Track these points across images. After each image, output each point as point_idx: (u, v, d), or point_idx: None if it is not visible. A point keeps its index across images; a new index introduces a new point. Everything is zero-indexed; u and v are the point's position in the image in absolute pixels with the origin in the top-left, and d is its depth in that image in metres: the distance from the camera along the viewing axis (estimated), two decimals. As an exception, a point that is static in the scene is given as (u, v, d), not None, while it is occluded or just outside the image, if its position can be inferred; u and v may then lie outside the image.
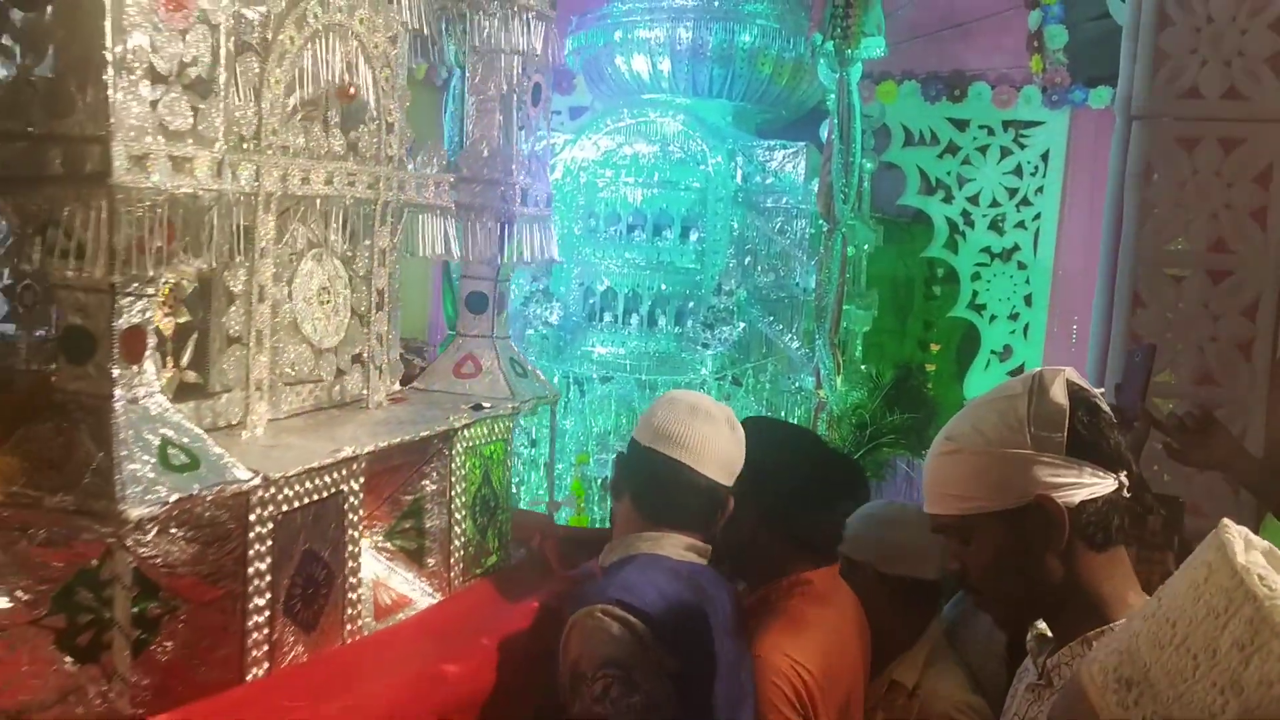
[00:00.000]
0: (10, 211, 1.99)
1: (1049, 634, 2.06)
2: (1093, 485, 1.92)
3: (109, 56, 1.92)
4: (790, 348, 6.47)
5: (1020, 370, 7.71)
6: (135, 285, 2.06)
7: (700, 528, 2.73)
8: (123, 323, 2.08)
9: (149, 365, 2.13)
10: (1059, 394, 1.95)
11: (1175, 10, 4.51)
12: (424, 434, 2.89)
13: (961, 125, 7.75)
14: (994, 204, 7.74)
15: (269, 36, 2.46)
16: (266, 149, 2.49)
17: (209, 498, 2.08)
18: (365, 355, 3.03)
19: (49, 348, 2.32)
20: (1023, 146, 7.69)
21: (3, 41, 1.99)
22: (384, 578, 2.92)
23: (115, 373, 2.07)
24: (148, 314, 2.13)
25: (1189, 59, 4.49)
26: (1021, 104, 7.65)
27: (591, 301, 6.55)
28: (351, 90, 2.76)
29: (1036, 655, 2.05)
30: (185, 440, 2.11)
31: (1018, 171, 7.70)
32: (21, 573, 2.06)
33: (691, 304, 6.47)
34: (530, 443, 6.41)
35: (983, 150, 7.72)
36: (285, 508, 2.34)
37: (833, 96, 6.05)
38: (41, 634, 2.08)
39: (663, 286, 6.48)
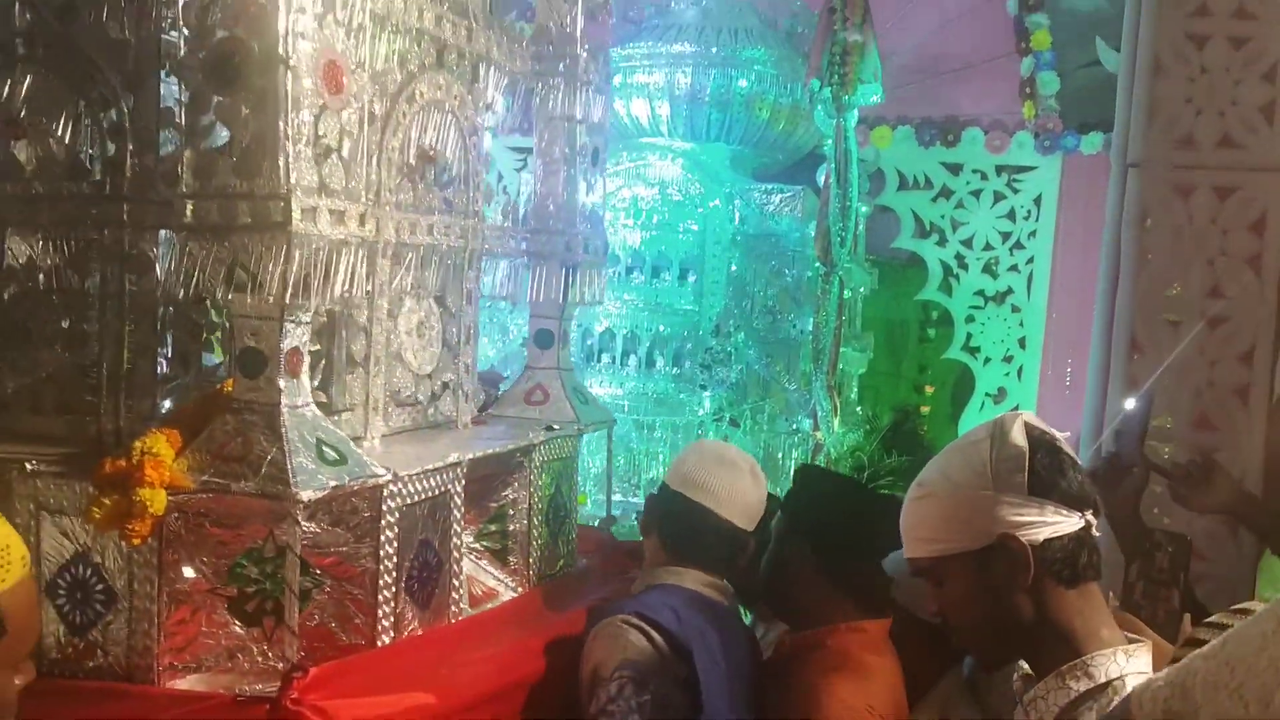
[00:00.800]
0: (203, 255, 2.44)
1: (1032, 673, 2.10)
2: (1056, 523, 1.99)
3: (288, 131, 2.40)
4: (788, 389, 6.50)
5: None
6: (296, 314, 2.53)
7: (720, 567, 3.02)
8: (287, 345, 2.54)
9: (305, 380, 2.58)
10: (1018, 437, 2.03)
11: (1170, 60, 4.58)
12: (510, 447, 3.35)
13: (955, 170, 7.82)
14: (987, 247, 7.79)
15: (387, 110, 2.98)
16: (385, 205, 2.93)
17: (355, 488, 2.52)
18: (454, 382, 3.45)
19: (220, 368, 2.95)
20: (1016, 191, 7.76)
21: (204, 120, 2.47)
22: (474, 573, 3.33)
23: (281, 384, 2.52)
24: (305, 338, 2.59)
25: (1184, 108, 4.55)
26: (1014, 149, 7.73)
27: (590, 342, 6.56)
28: (431, 154, 3.19)
29: (1021, 694, 2.10)
30: (334, 441, 2.57)
31: (1011, 216, 7.76)
32: (203, 549, 2.51)
33: (689, 345, 6.49)
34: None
35: (976, 194, 7.79)
36: (408, 501, 2.76)
37: (830, 142, 6.11)
38: (218, 601, 2.53)
39: (661, 328, 6.50)
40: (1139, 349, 4.66)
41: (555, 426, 3.65)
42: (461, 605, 3.04)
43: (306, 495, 2.38)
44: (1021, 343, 7.78)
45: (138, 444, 2.44)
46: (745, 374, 6.33)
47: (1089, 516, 2.03)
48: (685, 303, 6.46)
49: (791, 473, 6.42)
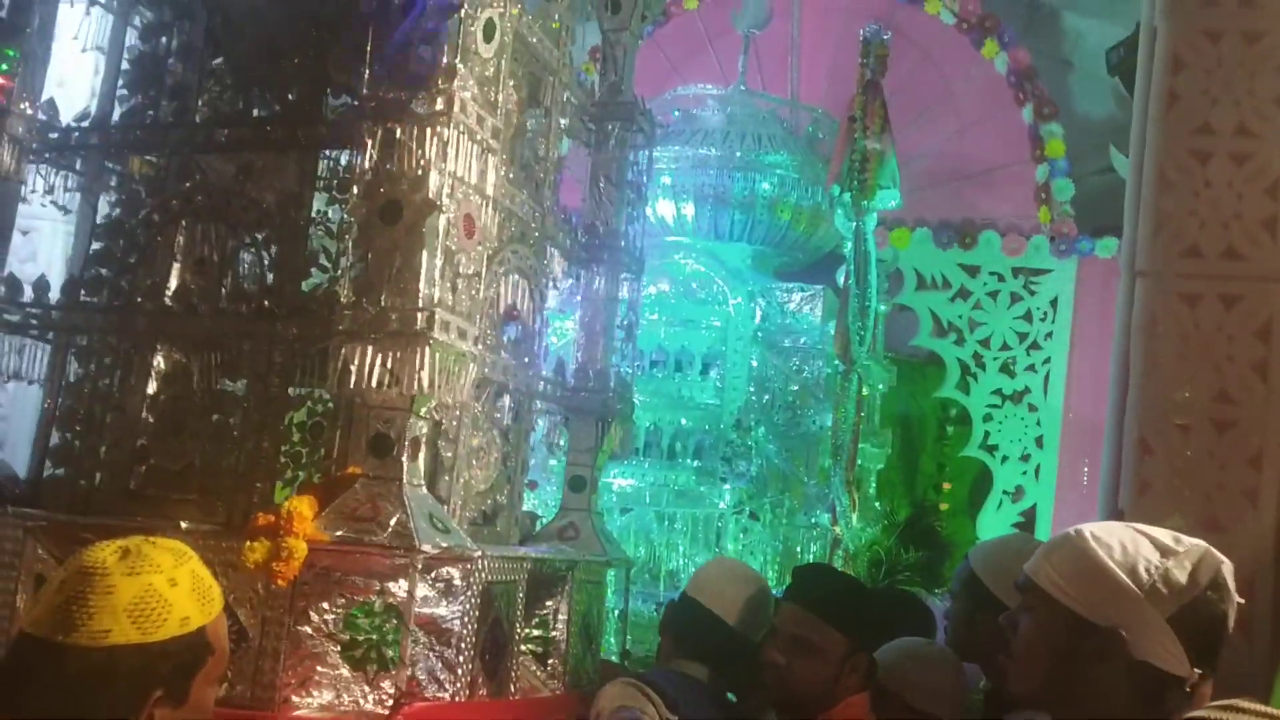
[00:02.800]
0: (355, 356, 3.11)
1: None
2: (1167, 659, 2.03)
3: (434, 260, 3.20)
4: (807, 484, 6.67)
5: (1032, 511, 7.88)
6: (420, 410, 3.22)
7: (724, 668, 3.55)
8: (411, 434, 3.21)
9: (420, 465, 3.27)
10: (1203, 575, 2.07)
11: (1175, 175, 4.85)
12: (560, 559, 4.07)
13: (972, 271, 8.15)
14: (1005, 347, 8.08)
15: (482, 268, 3.69)
16: (481, 341, 3.61)
17: (459, 554, 3.15)
18: (507, 505, 4.09)
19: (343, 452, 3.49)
20: (1032, 293, 8.06)
21: (368, 250, 3.21)
22: (519, 670, 3.98)
23: (405, 464, 3.18)
24: (423, 431, 3.28)
25: (1189, 220, 4.81)
26: (1031, 252, 8.04)
27: (628, 443, 6.74)
28: (516, 313, 3.93)
29: None
30: (441, 516, 3.24)
31: (1027, 316, 8.06)
32: (327, 600, 3.09)
33: (710, 439, 6.73)
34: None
35: (993, 295, 8.11)
36: (490, 578, 3.38)
37: (849, 244, 6.36)
38: (332, 645, 3.08)
39: (683, 421, 6.77)
40: (1149, 452, 4.84)
41: (590, 557, 4.33)
42: (517, 685, 3.69)
43: (427, 547, 3.07)
44: (1039, 441, 8.03)
45: (285, 503, 3.09)
46: (765, 468, 6.59)
47: (1196, 675, 2.08)
48: (707, 397, 6.74)
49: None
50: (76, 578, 1.91)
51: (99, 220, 3.96)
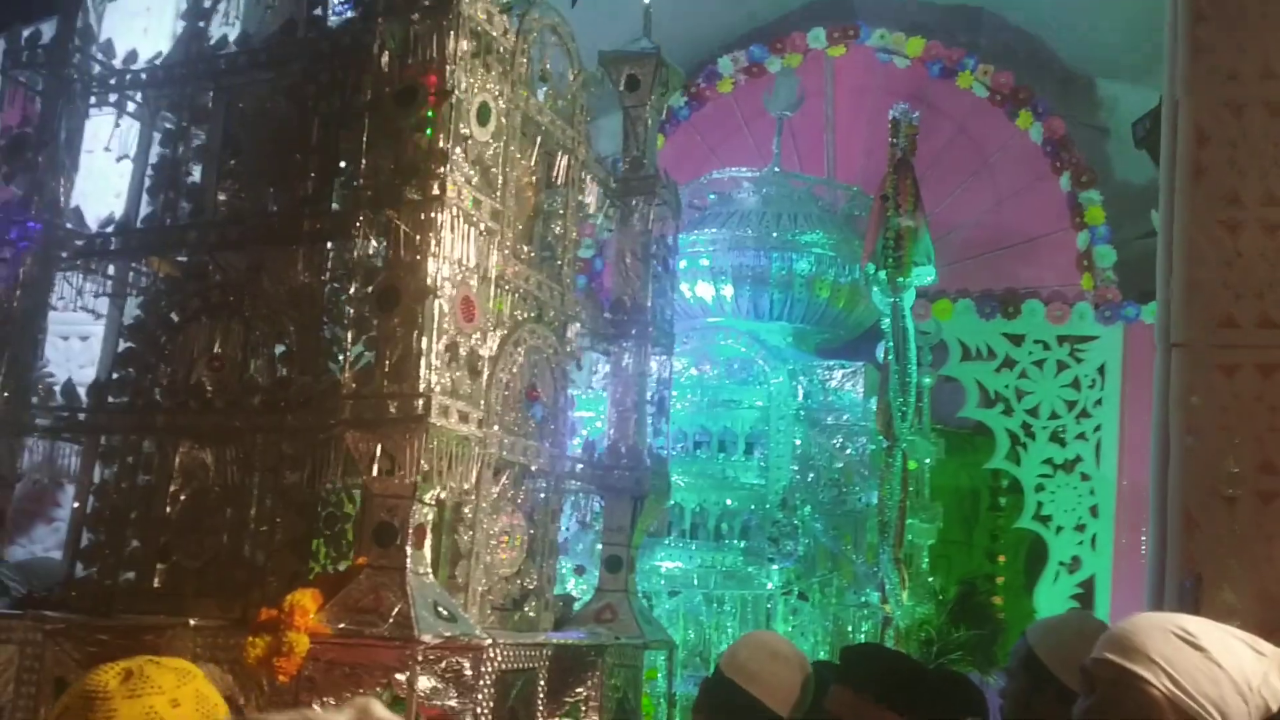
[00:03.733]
0: (357, 444, 3.13)
1: None
2: None
3: (432, 348, 3.19)
4: (855, 562, 6.63)
5: (1090, 582, 7.74)
6: (424, 496, 3.19)
7: None
8: (414, 521, 3.19)
9: (426, 552, 3.23)
10: None
11: (1206, 246, 4.84)
12: (586, 642, 4.02)
13: (1017, 340, 8.10)
14: (1053, 416, 8.00)
15: (499, 350, 3.73)
16: (493, 424, 3.61)
17: (464, 643, 3.10)
18: (536, 589, 4.03)
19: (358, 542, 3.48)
20: (1079, 360, 8.00)
21: (366, 338, 3.27)
22: None
23: (408, 552, 3.17)
24: (429, 518, 3.26)
25: (1222, 290, 4.78)
26: (1075, 319, 7.99)
27: (663, 521, 6.78)
28: (536, 393, 3.92)
29: None
30: (447, 604, 3.19)
31: (1075, 384, 7.99)
32: (332, 694, 3.07)
33: (756, 519, 6.72)
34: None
35: (1039, 364, 8.05)
36: (503, 667, 3.34)
37: (887, 320, 6.39)
38: None
39: (728, 502, 6.77)
40: (1194, 526, 4.75)
41: (621, 639, 4.24)
42: (538, 781, 3.66)
43: (427, 637, 3.02)
44: (1093, 511, 7.90)
45: (288, 597, 3.08)
46: (813, 547, 6.56)
47: None
48: (751, 477, 6.75)
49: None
50: (79, 702, 1.92)
51: (126, 322, 4.04)
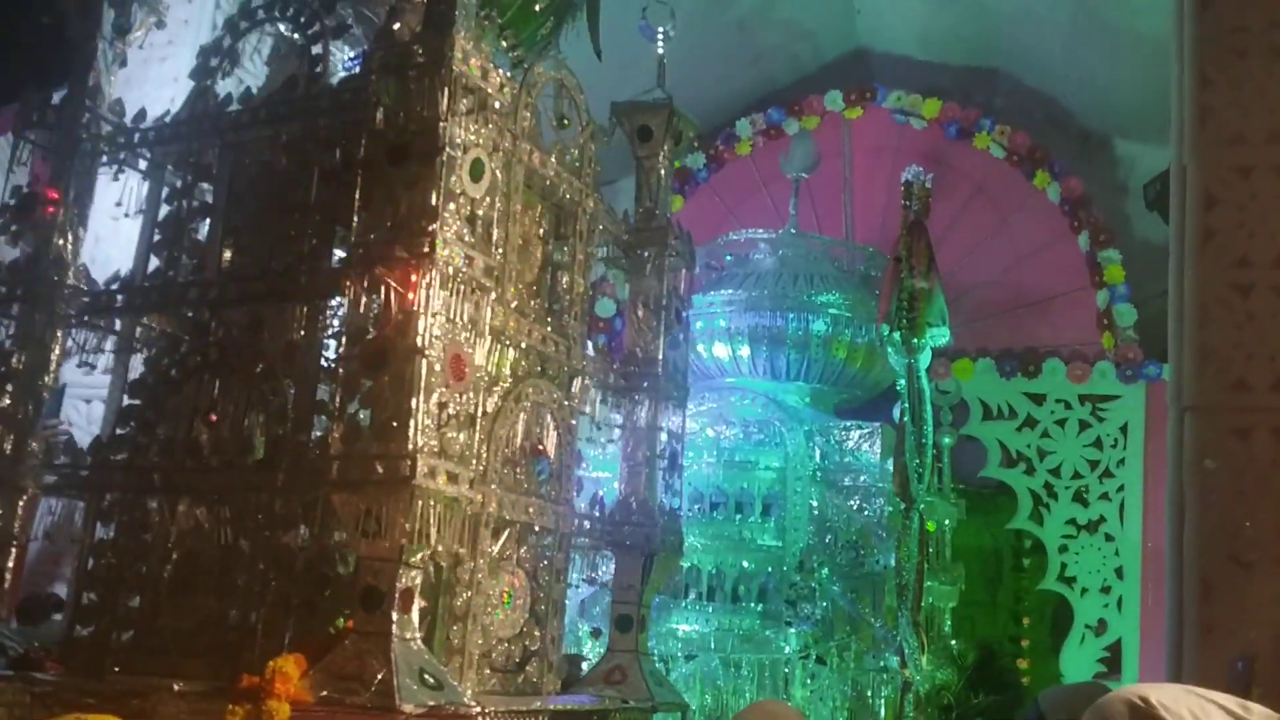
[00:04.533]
0: (342, 506, 3.10)
1: None
2: None
3: (420, 407, 3.13)
4: (874, 625, 6.56)
5: (1117, 645, 7.63)
6: (411, 559, 3.12)
7: None
8: (401, 585, 3.12)
9: (414, 617, 3.15)
10: None
11: (1217, 309, 4.84)
12: (589, 708, 3.93)
13: (1038, 399, 8.05)
14: (1076, 475, 7.92)
15: (499, 406, 3.68)
16: (491, 483, 3.58)
17: (448, 712, 3.02)
18: (540, 650, 3.95)
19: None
20: (1101, 419, 7.93)
21: (354, 398, 3.21)
22: None
23: (394, 618, 3.09)
24: (417, 581, 3.18)
25: (1234, 353, 4.78)
26: (1096, 378, 7.95)
27: (675, 579, 6.76)
28: (540, 448, 3.87)
29: None
30: (434, 671, 3.10)
31: (1098, 444, 7.92)
32: None
33: (774, 581, 6.67)
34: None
35: (1061, 423, 7.99)
36: None
37: (903, 381, 6.39)
38: None
39: (745, 564, 6.74)
40: (1211, 590, 4.70)
41: (629, 703, 4.13)
42: None
43: (408, 707, 2.93)
44: (1119, 572, 7.80)
45: (270, 663, 3.03)
46: (831, 610, 6.51)
47: None
48: (768, 539, 6.73)
49: (882, 713, 6.42)
50: None
51: (130, 379, 4.04)
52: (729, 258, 7.77)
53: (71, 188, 4.17)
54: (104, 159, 4.25)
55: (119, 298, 4.09)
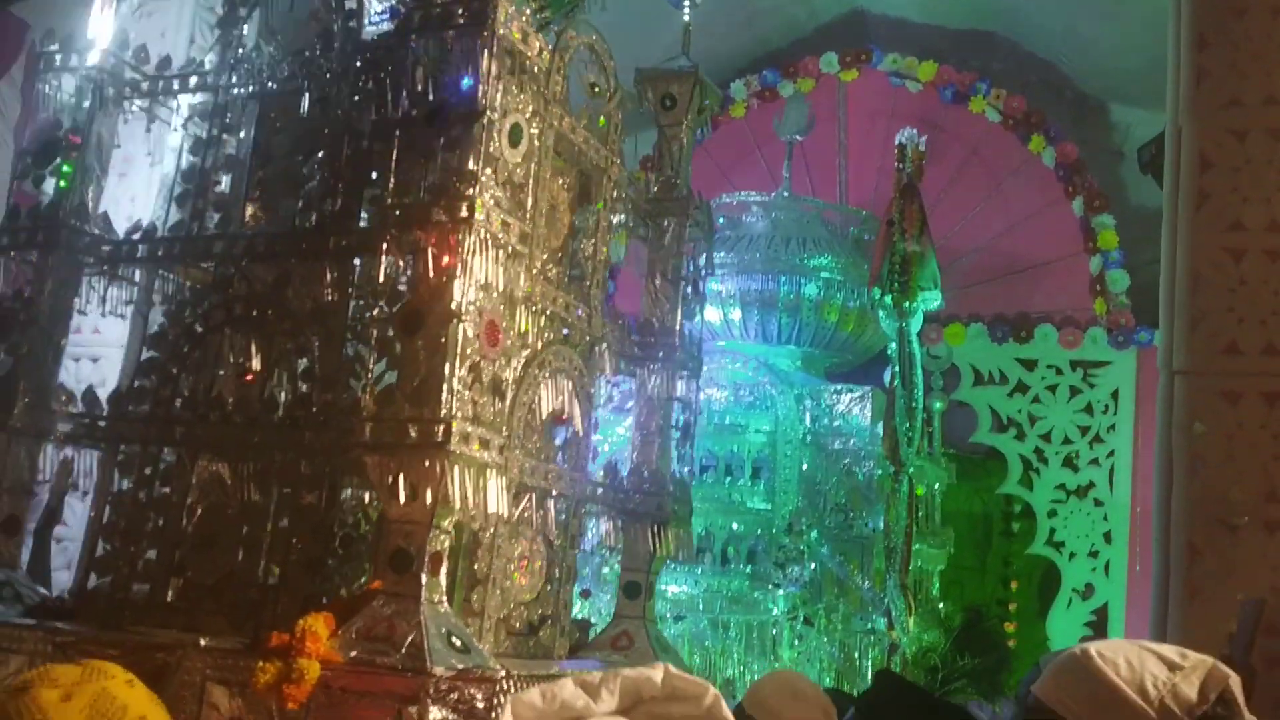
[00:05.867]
0: (375, 469, 3.10)
1: None
2: None
3: (454, 372, 3.12)
4: (862, 588, 6.59)
5: (1104, 610, 7.66)
6: (441, 523, 3.14)
7: None
8: (431, 548, 3.13)
9: (442, 580, 3.16)
10: (1211, 690, 2.05)
11: (1210, 273, 4.84)
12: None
13: (1030, 365, 8.09)
14: (1066, 441, 7.97)
15: (522, 373, 3.66)
16: (514, 449, 3.56)
17: (477, 675, 3.04)
18: (553, 615, 3.99)
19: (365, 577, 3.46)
20: (1092, 385, 7.98)
21: (388, 360, 3.24)
22: None
23: (424, 580, 3.10)
24: (445, 545, 3.18)
25: (1226, 317, 4.76)
26: (1088, 344, 7.97)
27: (686, 547, 6.75)
28: (565, 416, 3.85)
29: None
30: (461, 635, 3.15)
31: (1088, 409, 7.96)
32: None
33: (763, 544, 6.68)
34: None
35: (1052, 389, 8.03)
36: None
37: (894, 345, 6.37)
38: None
39: (734, 526, 6.76)
40: (1197, 554, 4.72)
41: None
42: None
43: (439, 670, 2.97)
44: (1107, 537, 7.88)
45: (300, 622, 3.05)
46: (819, 572, 6.55)
47: None
48: (758, 501, 6.75)
49: (870, 675, 6.44)
50: None
51: (150, 332, 4.04)
52: (721, 220, 7.71)
53: (93, 133, 4.12)
54: (125, 106, 4.23)
55: (141, 248, 4.07)
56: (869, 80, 8.97)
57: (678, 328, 4.56)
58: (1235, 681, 2.06)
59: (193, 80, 4.14)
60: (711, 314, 7.38)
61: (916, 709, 3.44)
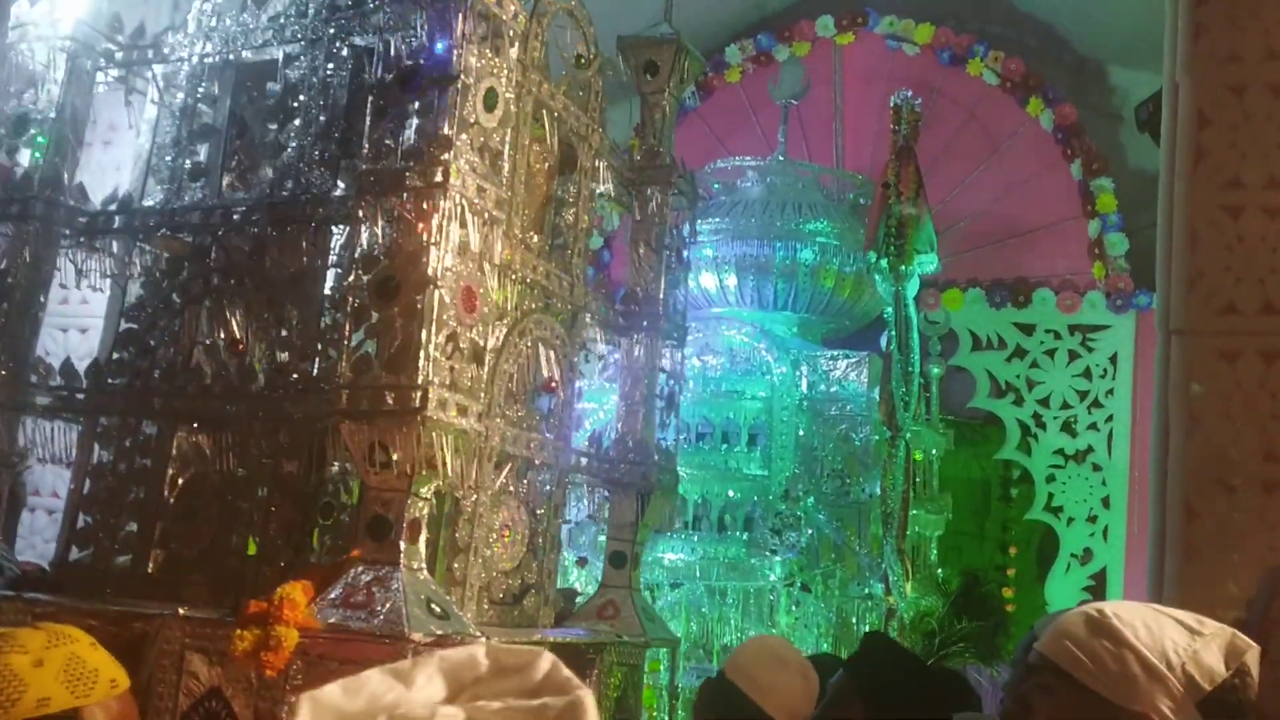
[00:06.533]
0: (352, 436, 3.08)
1: None
2: None
3: (430, 339, 3.10)
4: (859, 553, 6.56)
5: (1102, 574, 7.65)
6: (419, 490, 3.12)
7: None
8: (409, 515, 3.11)
9: (420, 547, 3.16)
10: (1232, 659, 1.99)
11: (1207, 231, 4.76)
12: (585, 640, 3.94)
13: (1028, 330, 8.03)
14: (1065, 406, 7.92)
15: (502, 342, 3.65)
16: (495, 417, 3.54)
17: (454, 641, 3.02)
18: (536, 584, 3.97)
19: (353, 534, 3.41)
20: (1090, 350, 7.92)
21: (364, 328, 3.17)
22: None
23: (402, 547, 3.10)
24: (424, 512, 3.17)
25: (1223, 276, 4.69)
26: (1086, 308, 7.91)
27: (671, 517, 6.72)
28: (553, 385, 3.85)
29: None
30: (440, 601, 3.13)
31: (1087, 374, 7.91)
32: (318, 687, 2.87)
33: (759, 510, 6.66)
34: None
35: (1050, 354, 7.98)
36: None
37: (890, 309, 6.32)
38: None
39: (731, 493, 6.74)
40: (1195, 515, 4.67)
41: (623, 637, 4.16)
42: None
43: (417, 636, 2.96)
44: (1105, 502, 7.84)
45: (279, 590, 3.04)
46: (816, 538, 6.52)
47: None
48: (754, 468, 6.71)
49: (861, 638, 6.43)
50: None
51: (128, 304, 4.03)
52: (716, 186, 7.69)
53: (68, 104, 4.09)
54: (100, 77, 4.22)
55: (117, 219, 4.05)
56: (865, 43, 8.86)
57: (661, 297, 4.53)
58: (1254, 654, 2.04)
59: (166, 49, 4.09)
60: (707, 280, 7.33)
61: (905, 669, 3.42)
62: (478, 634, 3.20)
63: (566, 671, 1.29)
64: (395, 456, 3.06)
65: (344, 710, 1.29)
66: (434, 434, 3.08)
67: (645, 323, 4.49)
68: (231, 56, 3.98)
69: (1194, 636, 2.02)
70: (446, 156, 3.19)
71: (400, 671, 1.33)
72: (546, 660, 1.32)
